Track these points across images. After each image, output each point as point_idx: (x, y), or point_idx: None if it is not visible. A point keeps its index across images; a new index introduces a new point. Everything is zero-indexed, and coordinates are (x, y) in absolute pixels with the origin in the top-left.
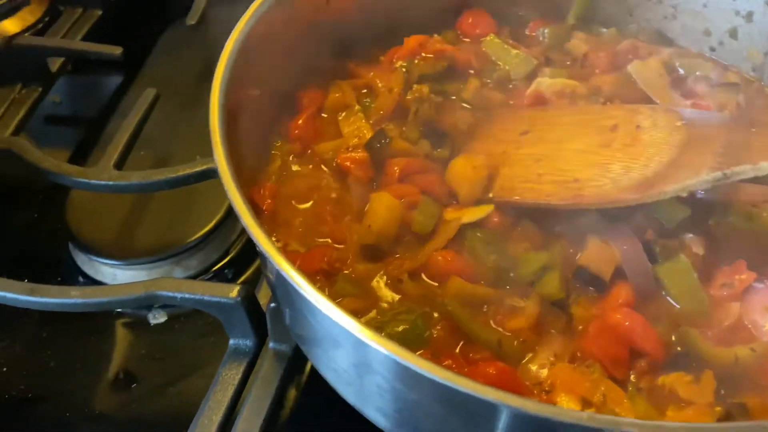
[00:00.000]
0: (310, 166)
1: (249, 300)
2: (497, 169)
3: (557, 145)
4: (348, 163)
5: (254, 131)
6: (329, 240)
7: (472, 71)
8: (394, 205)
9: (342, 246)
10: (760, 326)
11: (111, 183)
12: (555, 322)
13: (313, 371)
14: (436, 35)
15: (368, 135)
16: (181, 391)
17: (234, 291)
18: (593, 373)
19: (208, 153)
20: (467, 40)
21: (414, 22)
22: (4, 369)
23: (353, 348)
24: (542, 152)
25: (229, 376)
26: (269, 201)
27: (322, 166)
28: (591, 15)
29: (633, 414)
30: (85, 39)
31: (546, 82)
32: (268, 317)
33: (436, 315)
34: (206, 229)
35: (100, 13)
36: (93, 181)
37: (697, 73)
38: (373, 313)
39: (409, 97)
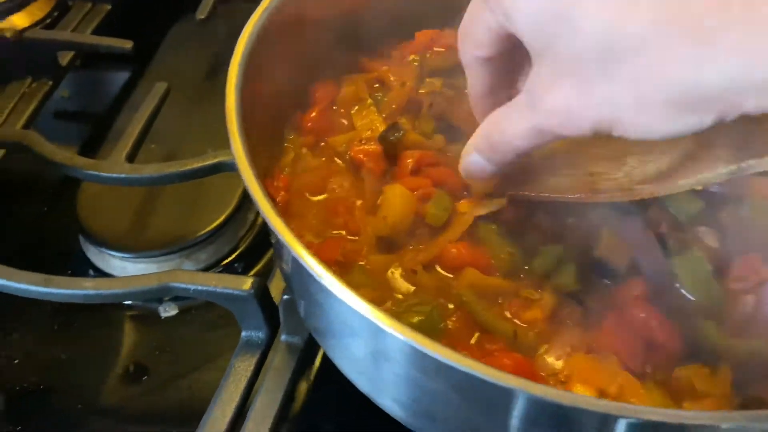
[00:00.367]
0: (323, 159)
1: (262, 292)
2: None
3: (569, 138)
4: (361, 156)
5: (268, 124)
6: (343, 232)
7: None
8: (409, 196)
9: (356, 238)
10: None
11: (123, 176)
12: (570, 314)
13: (323, 364)
14: (447, 29)
15: (381, 128)
16: (192, 384)
17: (248, 283)
18: (610, 365)
19: (219, 146)
20: None
21: (426, 15)
22: (16, 361)
23: (372, 337)
24: (554, 145)
25: (242, 368)
26: (283, 193)
27: (336, 159)
28: None
29: (650, 405)
30: (94, 33)
31: None
32: (281, 309)
33: (451, 306)
34: (216, 222)
35: (109, 7)
36: (105, 174)
37: None
38: (388, 304)
39: (421, 91)
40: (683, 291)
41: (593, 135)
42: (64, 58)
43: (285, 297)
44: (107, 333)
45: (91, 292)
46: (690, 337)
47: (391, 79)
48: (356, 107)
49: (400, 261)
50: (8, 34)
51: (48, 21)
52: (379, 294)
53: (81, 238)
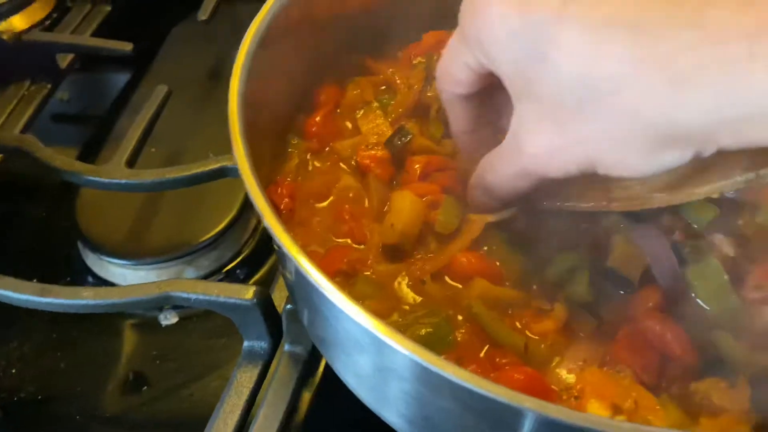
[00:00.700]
0: (329, 164)
1: (265, 301)
2: None
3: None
4: (367, 161)
5: (271, 128)
6: (349, 240)
7: None
8: (417, 203)
9: (362, 246)
10: None
11: (123, 181)
12: (583, 326)
13: (326, 374)
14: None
15: (388, 132)
16: (193, 393)
17: (250, 292)
18: (624, 379)
19: (221, 151)
20: None
21: (433, 17)
22: (13, 370)
23: (377, 351)
24: None
25: (244, 379)
26: (287, 200)
27: (341, 164)
28: None
29: (666, 421)
30: (94, 35)
31: None
32: (284, 319)
33: (460, 318)
34: (218, 228)
35: (109, 8)
36: (105, 180)
37: None
38: (394, 316)
39: (429, 94)
40: (699, 301)
41: (581, 174)
42: (64, 60)
43: (288, 306)
44: (107, 341)
45: (90, 302)
46: (707, 350)
47: (398, 81)
48: (362, 111)
49: (407, 270)
50: (6, 37)
51: (48, 22)
52: (385, 305)
53: (80, 245)
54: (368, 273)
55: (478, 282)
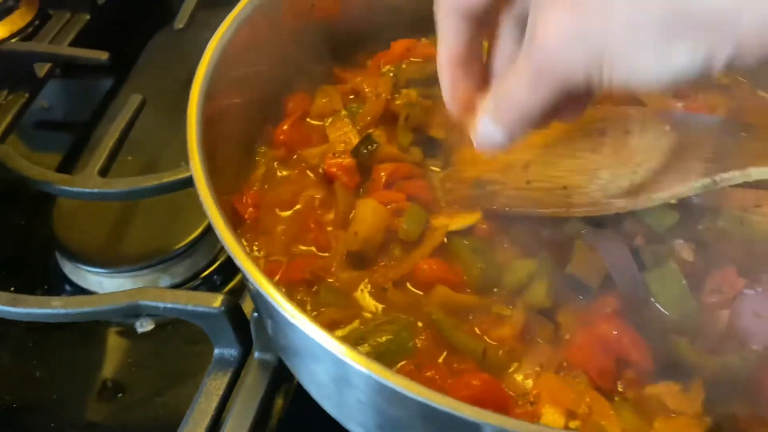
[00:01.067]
0: (296, 172)
1: (233, 309)
2: (485, 176)
3: (545, 150)
4: (334, 169)
5: (237, 137)
6: (313, 248)
7: None
8: (381, 211)
9: (326, 254)
10: (751, 333)
11: (96, 191)
12: (541, 331)
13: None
14: (424, 39)
15: (355, 140)
16: (167, 401)
17: (218, 300)
18: (579, 384)
19: None
20: None
21: (402, 25)
22: None
23: (331, 363)
24: (530, 158)
25: (214, 386)
26: (251, 209)
27: (308, 172)
28: None
29: (619, 426)
30: (73, 43)
31: None
32: (252, 327)
33: (420, 324)
34: (193, 235)
35: (88, 17)
36: (77, 189)
37: None
38: (355, 323)
39: (398, 102)
40: (659, 306)
41: (585, 85)
42: (42, 69)
43: (255, 315)
44: (83, 349)
45: (60, 311)
46: (663, 354)
47: (366, 90)
48: (330, 119)
49: (370, 278)
50: None
51: (29, 30)
52: (347, 313)
53: (57, 254)
54: (331, 280)
55: (439, 289)
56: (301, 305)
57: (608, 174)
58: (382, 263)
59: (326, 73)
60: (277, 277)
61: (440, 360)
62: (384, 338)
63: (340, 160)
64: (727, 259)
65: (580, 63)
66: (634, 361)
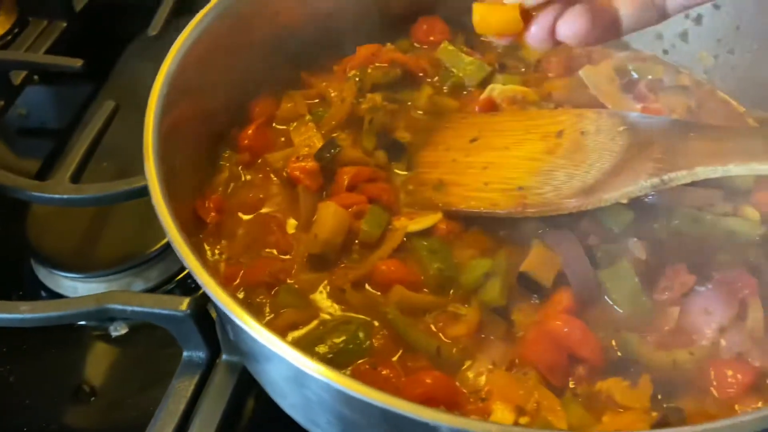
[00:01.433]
0: (260, 176)
1: (199, 312)
2: (446, 178)
3: (504, 152)
4: (297, 173)
5: (201, 142)
6: (275, 251)
7: (427, 79)
8: (341, 214)
9: (287, 257)
10: (700, 330)
11: (66, 197)
12: (495, 329)
13: None
14: (389, 44)
15: (319, 144)
16: (139, 403)
17: (184, 304)
18: (528, 381)
19: None
20: (424, 47)
21: (367, 30)
22: None
23: (281, 365)
24: (489, 160)
25: (182, 388)
26: (213, 214)
27: (272, 176)
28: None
29: (566, 421)
30: (50, 51)
31: (498, 89)
32: (218, 330)
33: (377, 324)
34: (166, 239)
35: (64, 24)
36: (49, 195)
37: (649, 77)
38: (313, 324)
39: (363, 107)
40: (612, 303)
41: None
42: (17, 77)
43: (218, 318)
44: (57, 353)
45: (27, 316)
46: (614, 351)
47: (332, 94)
48: (294, 123)
49: (329, 279)
50: None
51: (9, 37)
52: (305, 314)
53: (32, 259)
54: (291, 282)
55: (397, 289)
56: (260, 308)
57: (563, 175)
58: (343, 265)
59: (293, 78)
60: (237, 281)
61: (395, 359)
62: (341, 338)
63: (303, 163)
64: (679, 257)
65: None
66: (585, 357)
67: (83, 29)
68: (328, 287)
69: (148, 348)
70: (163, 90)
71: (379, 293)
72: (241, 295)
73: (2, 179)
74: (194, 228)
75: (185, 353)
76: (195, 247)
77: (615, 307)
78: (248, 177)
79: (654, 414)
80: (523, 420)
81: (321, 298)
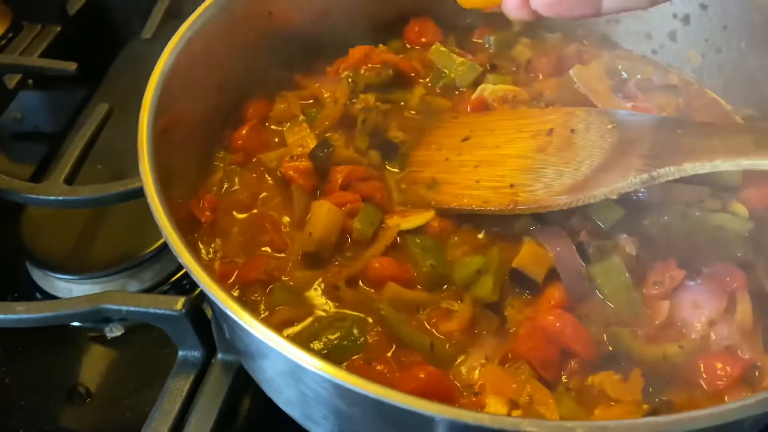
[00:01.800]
0: (254, 176)
1: (194, 312)
2: (439, 176)
3: (495, 151)
4: (291, 172)
5: (196, 143)
6: (269, 249)
7: (419, 80)
8: (335, 212)
9: (282, 255)
10: (689, 323)
11: (61, 198)
12: (488, 325)
13: None
14: (381, 45)
15: (312, 144)
16: (135, 404)
17: (179, 303)
18: (521, 374)
19: None
20: (417, 48)
21: (360, 32)
22: None
23: (278, 360)
24: (481, 158)
25: (177, 387)
26: (208, 213)
27: (266, 176)
28: (537, 21)
29: (558, 414)
30: (44, 54)
31: (489, 89)
32: (213, 329)
33: (371, 320)
34: (161, 241)
35: (58, 29)
36: (43, 197)
37: (638, 76)
38: (308, 321)
39: (356, 107)
40: (603, 299)
41: None
42: (11, 81)
43: (213, 317)
44: (53, 354)
45: (23, 316)
46: (605, 345)
47: (325, 95)
48: (288, 124)
49: (324, 277)
50: None
51: (3, 41)
52: (300, 311)
53: (27, 262)
54: (286, 279)
55: (390, 286)
56: (255, 305)
57: (553, 172)
58: (337, 263)
59: (286, 79)
60: (231, 279)
61: (389, 354)
62: (335, 335)
63: (297, 163)
64: (669, 253)
65: None
66: (577, 351)
67: (77, 33)
68: (323, 285)
69: (143, 349)
70: (157, 91)
71: (372, 290)
72: (236, 294)
73: None
74: (189, 228)
75: (180, 353)
76: (190, 246)
77: (606, 301)
78: (242, 176)
79: (645, 407)
80: (515, 413)
81: (315, 295)
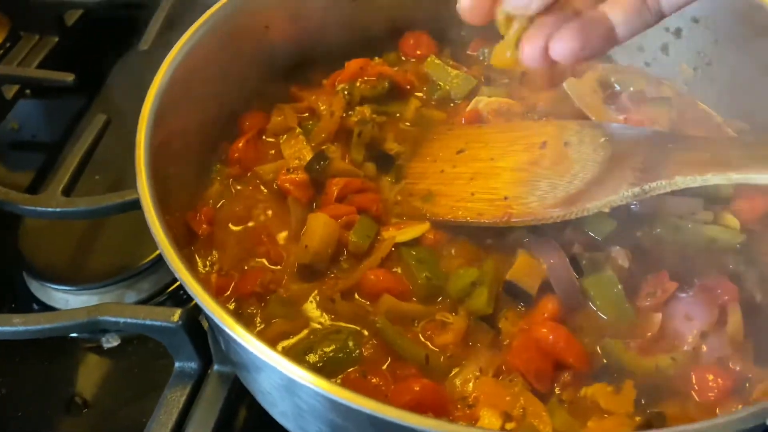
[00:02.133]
0: (250, 188)
1: (191, 323)
2: (434, 188)
3: (490, 163)
4: (287, 185)
5: (193, 156)
6: (265, 261)
7: (414, 92)
8: (331, 224)
9: (278, 267)
10: (682, 335)
11: (59, 210)
12: (482, 337)
13: None
14: (377, 58)
15: (308, 156)
16: (131, 414)
17: (176, 315)
18: (515, 387)
19: None
20: (412, 60)
21: (356, 45)
22: None
23: (272, 374)
24: (476, 170)
25: (174, 398)
26: (205, 226)
27: (262, 188)
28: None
29: (551, 427)
30: (42, 65)
31: (483, 101)
32: (210, 340)
33: (366, 333)
34: (157, 252)
35: (56, 39)
36: (40, 209)
37: (631, 88)
38: (304, 333)
39: (352, 119)
40: (597, 310)
41: None
42: (9, 91)
43: (210, 329)
44: (50, 365)
45: (20, 328)
46: (599, 357)
47: (321, 108)
48: (284, 136)
49: (319, 289)
50: None
51: (0, 52)
52: (296, 324)
53: (24, 272)
54: (281, 291)
55: (386, 298)
56: (250, 318)
57: (547, 185)
58: (332, 275)
59: (282, 91)
60: (228, 292)
61: (384, 367)
62: (331, 347)
63: (293, 175)
64: (661, 265)
65: None
66: (570, 364)
67: (75, 43)
68: (318, 297)
69: (140, 359)
70: (154, 105)
71: (368, 302)
72: (232, 306)
73: None
74: (186, 240)
75: (177, 364)
76: (186, 259)
77: (599, 313)
78: (239, 189)
79: (637, 419)
80: (509, 426)
81: (311, 307)
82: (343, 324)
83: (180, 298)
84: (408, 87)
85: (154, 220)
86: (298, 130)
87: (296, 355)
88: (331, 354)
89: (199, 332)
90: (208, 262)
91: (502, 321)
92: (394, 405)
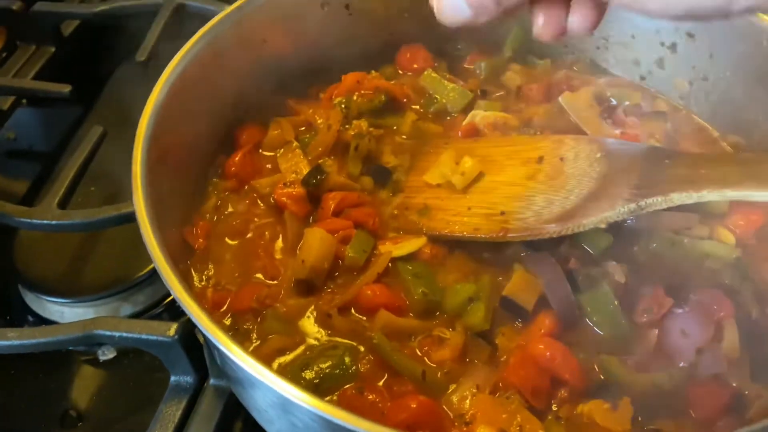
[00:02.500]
0: (247, 202)
1: (187, 338)
2: (430, 202)
3: (486, 178)
4: (284, 199)
5: (189, 170)
6: (261, 275)
7: (411, 105)
8: (328, 239)
9: (274, 282)
10: (678, 351)
11: (54, 222)
12: (479, 353)
13: None
14: (374, 71)
15: (305, 170)
16: (127, 428)
17: (171, 329)
18: (512, 404)
19: None
20: (409, 73)
21: (352, 58)
22: None
23: (267, 392)
24: (472, 185)
25: (169, 412)
26: (201, 240)
27: (259, 202)
28: (527, 47)
29: None
30: (39, 75)
31: (480, 115)
32: (205, 354)
33: (362, 349)
34: (152, 265)
35: (53, 50)
36: (36, 221)
37: (627, 102)
38: (300, 350)
39: (349, 133)
40: (593, 326)
41: None
42: (5, 102)
43: (205, 343)
44: (45, 378)
45: (15, 342)
46: (596, 373)
47: (318, 121)
48: (281, 150)
49: (316, 304)
50: None
51: None
52: (292, 339)
53: (19, 285)
54: (278, 307)
55: (382, 314)
56: (247, 334)
57: (543, 200)
58: (329, 290)
59: (279, 105)
60: (224, 307)
61: (381, 383)
62: (327, 364)
63: (290, 189)
64: (657, 280)
65: None
66: (567, 380)
67: (72, 54)
68: (315, 312)
69: (135, 372)
70: (151, 120)
71: (364, 318)
72: (228, 322)
73: None
74: (182, 255)
75: (173, 378)
76: (182, 273)
77: (596, 329)
78: (235, 203)
79: None
80: None
81: (308, 323)
82: (339, 339)
83: (176, 310)
84: (405, 100)
85: (149, 235)
86: (295, 143)
87: (293, 371)
88: (327, 370)
89: (194, 346)
90: (204, 277)
91: (499, 337)
92: (391, 422)
